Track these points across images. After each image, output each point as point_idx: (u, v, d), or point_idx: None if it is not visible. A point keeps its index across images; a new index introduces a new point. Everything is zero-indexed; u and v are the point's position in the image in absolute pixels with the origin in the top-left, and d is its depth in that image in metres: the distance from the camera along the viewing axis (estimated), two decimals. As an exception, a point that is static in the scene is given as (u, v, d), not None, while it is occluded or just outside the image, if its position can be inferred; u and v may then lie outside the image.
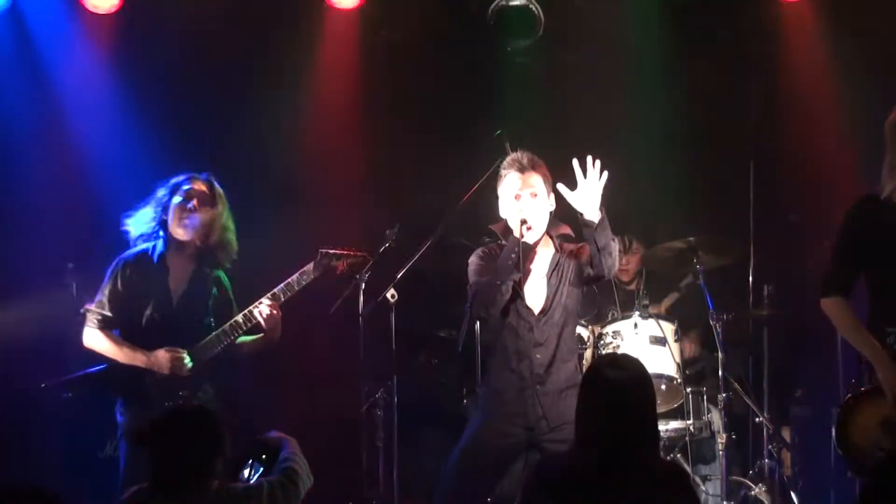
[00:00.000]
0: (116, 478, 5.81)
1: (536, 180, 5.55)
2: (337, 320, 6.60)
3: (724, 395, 6.57)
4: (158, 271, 5.87)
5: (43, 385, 6.32)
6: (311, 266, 5.94)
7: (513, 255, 5.43)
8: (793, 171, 7.56)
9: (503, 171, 5.62)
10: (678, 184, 7.70)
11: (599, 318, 7.22)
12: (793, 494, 6.67)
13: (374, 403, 6.62)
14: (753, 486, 6.79)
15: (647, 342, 6.81)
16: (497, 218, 5.66)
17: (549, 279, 5.62)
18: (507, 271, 5.45)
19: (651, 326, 6.83)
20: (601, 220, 5.36)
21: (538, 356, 5.53)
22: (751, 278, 7.01)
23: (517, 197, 5.54)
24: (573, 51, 7.82)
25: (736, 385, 6.81)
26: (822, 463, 6.93)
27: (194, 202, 5.83)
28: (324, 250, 5.98)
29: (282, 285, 5.88)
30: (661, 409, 6.78)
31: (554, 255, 5.66)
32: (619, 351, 6.63)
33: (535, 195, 5.53)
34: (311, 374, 7.48)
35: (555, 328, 5.57)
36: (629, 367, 4.05)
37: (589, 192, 5.34)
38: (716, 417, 6.81)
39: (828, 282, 5.18)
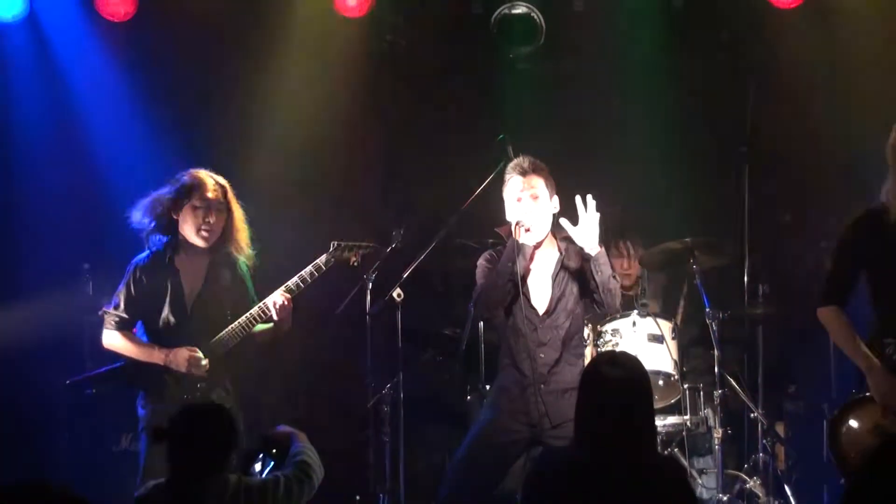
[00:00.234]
0: (130, 471, 5.85)
1: (538, 183, 5.58)
2: (345, 319, 6.62)
3: (719, 391, 6.57)
4: (172, 273, 5.86)
5: (68, 382, 6.33)
6: (323, 258, 5.92)
7: (510, 257, 5.47)
8: (786, 173, 7.57)
9: (507, 175, 5.66)
10: (675, 186, 7.71)
11: (599, 315, 7.23)
12: (786, 487, 6.67)
13: (380, 399, 6.63)
14: (748, 480, 6.80)
15: (646, 340, 6.80)
16: (503, 220, 5.70)
17: (553, 280, 5.64)
18: (506, 272, 5.48)
19: (649, 324, 6.83)
20: (598, 255, 5.44)
21: (542, 355, 5.55)
22: (746, 278, 7.01)
23: (519, 199, 5.58)
24: (573, 57, 7.82)
25: (731, 381, 6.81)
26: (815, 457, 6.95)
27: (213, 217, 5.82)
28: (336, 242, 6.00)
29: (295, 278, 5.86)
30: (658, 404, 6.80)
31: (559, 257, 5.68)
32: (619, 348, 6.63)
33: (536, 197, 5.56)
34: (319, 370, 7.50)
35: (559, 329, 5.59)
36: (627, 365, 4.06)
37: (587, 226, 5.43)
38: (712, 413, 6.81)
39: (825, 291, 5.19)
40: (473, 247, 6.53)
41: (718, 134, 7.52)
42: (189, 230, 5.82)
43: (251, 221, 5.99)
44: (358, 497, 6.62)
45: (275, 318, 5.83)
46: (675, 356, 6.77)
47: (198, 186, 5.83)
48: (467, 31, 7.57)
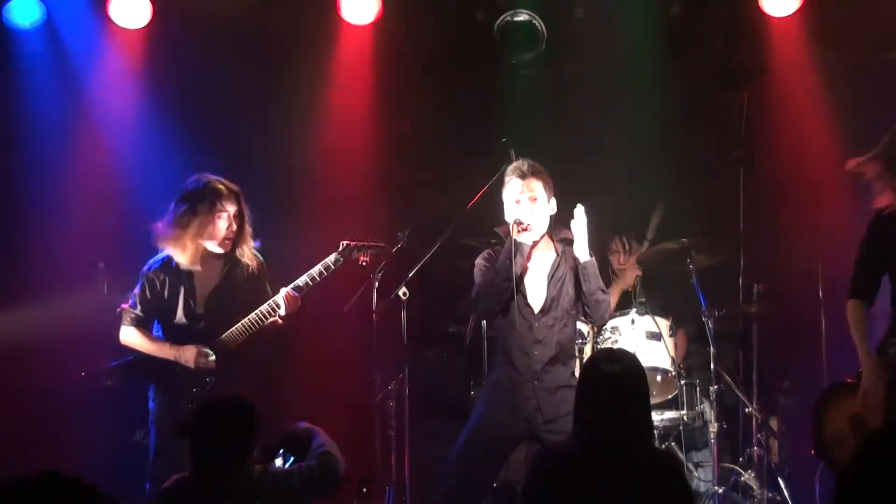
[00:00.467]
0: (142, 464, 5.88)
1: (536, 185, 5.63)
2: (352, 317, 6.63)
3: (715, 386, 6.60)
4: (185, 276, 5.92)
5: (83, 374, 6.35)
6: (332, 257, 5.97)
7: (508, 255, 5.51)
8: (780, 176, 7.58)
9: (507, 178, 5.70)
10: (672, 188, 7.73)
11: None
12: (780, 480, 6.69)
13: (387, 394, 6.65)
14: (743, 473, 6.82)
15: (644, 337, 6.84)
16: (503, 221, 5.73)
17: (549, 280, 5.68)
18: (504, 270, 5.52)
19: (647, 322, 6.87)
20: (587, 263, 5.50)
21: (536, 353, 5.59)
22: (741, 277, 7.03)
23: (517, 201, 5.62)
24: (574, 63, 7.84)
25: (727, 377, 6.84)
26: (808, 450, 6.96)
27: (233, 226, 5.88)
28: (345, 242, 6.03)
29: (305, 276, 5.92)
30: (656, 399, 6.83)
31: (555, 257, 5.72)
32: (618, 345, 6.66)
33: (535, 199, 5.61)
34: (328, 367, 7.51)
35: (554, 328, 5.63)
36: (624, 361, 4.07)
37: (576, 235, 5.53)
38: (708, 408, 6.84)
39: (850, 286, 5.24)
40: (477, 247, 6.54)
41: (715, 138, 7.53)
42: (210, 239, 5.86)
43: (263, 222, 6.03)
44: (364, 489, 6.64)
45: (282, 312, 5.87)
46: (672, 353, 6.80)
47: (217, 197, 5.85)
48: (471, 38, 7.58)
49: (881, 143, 5.16)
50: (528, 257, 5.66)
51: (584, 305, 5.66)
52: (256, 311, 5.88)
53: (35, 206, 7.52)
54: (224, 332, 5.87)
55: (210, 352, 5.81)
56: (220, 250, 5.90)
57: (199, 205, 5.84)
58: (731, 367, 7.06)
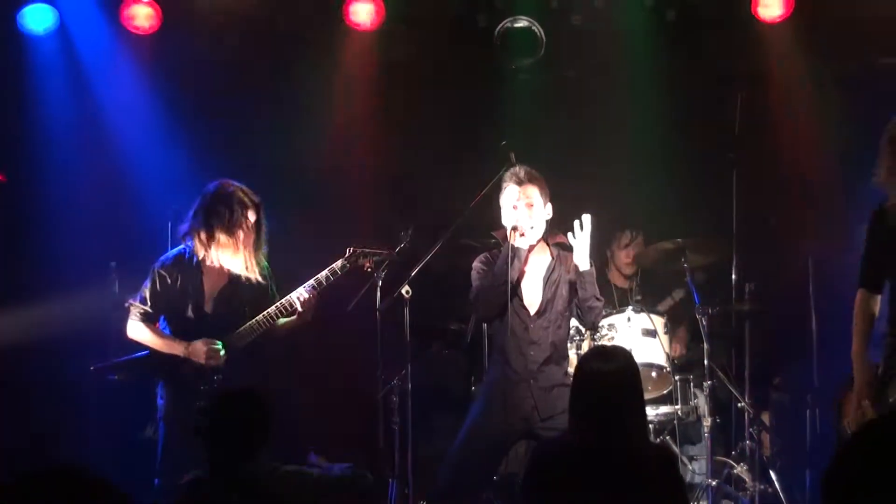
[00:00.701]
0: (152, 459, 5.88)
1: (533, 192, 5.65)
2: (356, 315, 6.64)
3: (709, 382, 6.61)
4: (195, 273, 5.93)
5: (92, 368, 6.35)
6: (339, 263, 6.00)
7: (505, 260, 5.52)
8: (773, 177, 7.59)
9: (504, 184, 5.73)
10: (668, 189, 7.74)
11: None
12: (771, 473, 6.69)
13: (390, 390, 6.64)
14: (736, 466, 6.82)
15: (640, 334, 6.85)
16: (501, 224, 5.75)
17: (545, 283, 5.71)
18: (501, 274, 5.54)
19: (643, 320, 6.87)
20: (586, 272, 5.52)
21: (532, 353, 5.62)
22: (734, 276, 7.03)
23: (514, 207, 5.65)
24: (572, 68, 7.85)
25: (720, 373, 6.84)
26: (799, 444, 7.00)
27: (252, 236, 5.91)
28: (352, 248, 6.05)
29: (312, 280, 5.95)
30: (651, 395, 6.84)
31: (551, 261, 5.74)
32: (614, 342, 6.66)
33: (531, 205, 5.64)
34: (333, 363, 7.51)
35: (549, 329, 5.66)
36: (617, 359, 4.08)
37: (580, 245, 5.53)
38: (702, 403, 6.84)
39: (858, 276, 5.20)
40: (477, 246, 6.55)
41: (709, 140, 7.53)
42: (229, 245, 5.87)
43: (272, 227, 6.06)
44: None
45: (300, 309, 5.89)
46: (667, 349, 6.81)
47: (242, 206, 5.88)
48: (472, 44, 7.58)
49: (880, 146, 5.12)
50: (525, 261, 5.68)
51: (576, 308, 5.69)
52: (266, 311, 5.89)
53: (49, 207, 7.53)
54: (232, 331, 5.88)
55: (219, 348, 5.81)
56: (241, 256, 5.90)
57: (226, 209, 5.85)
58: (724, 364, 7.07)
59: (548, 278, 5.71)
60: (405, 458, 6.45)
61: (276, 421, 4.13)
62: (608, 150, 7.85)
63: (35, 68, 7.54)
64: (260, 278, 5.98)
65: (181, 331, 5.91)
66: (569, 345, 6.18)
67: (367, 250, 6.06)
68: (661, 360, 6.80)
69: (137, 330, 5.94)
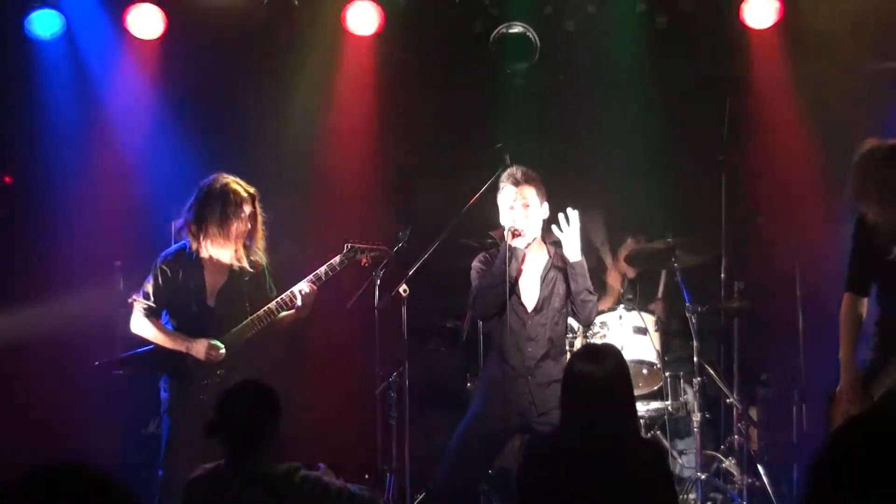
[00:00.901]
0: (156, 453, 5.88)
1: (529, 192, 5.66)
2: (355, 313, 6.65)
3: (698, 378, 6.62)
4: (196, 268, 5.90)
5: (97, 363, 6.34)
6: (337, 259, 6.00)
7: (503, 260, 5.53)
8: (760, 179, 7.60)
9: (501, 184, 5.74)
10: (658, 191, 7.75)
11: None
12: (759, 467, 6.70)
13: (388, 386, 6.65)
14: (724, 459, 6.84)
15: (631, 332, 6.86)
16: (498, 224, 5.76)
17: (542, 281, 5.71)
18: (499, 273, 5.54)
19: (634, 318, 6.88)
20: (576, 264, 5.51)
21: (529, 349, 5.62)
22: (723, 275, 7.04)
23: (511, 207, 5.65)
24: (565, 73, 7.86)
25: (709, 370, 6.86)
26: (786, 439, 7.00)
27: (248, 228, 5.88)
28: (349, 244, 6.05)
29: (311, 275, 5.93)
30: (642, 391, 6.86)
31: (547, 259, 5.75)
32: (606, 339, 6.67)
33: (527, 206, 5.65)
34: (332, 360, 7.52)
35: (546, 326, 5.66)
36: (606, 361, 4.04)
37: (568, 238, 5.54)
38: (691, 398, 6.85)
39: (845, 280, 5.20)
40: (473, 246, 6.57)
41: (698, 143, 7.54)
42: (227, 237, 5.83)
43: (269, 221, 6.04)
44: (367, 475, 6.64)
45: (300, 304, 5.88)
46: (658, 347, 6.82)
47: (237, 198, 5.84)
48: (468, 49, 7.58)
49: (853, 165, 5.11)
50: (522, 260, 5.69)
51: (571, 305, 5.69)
52: (266, 306, 5.88)
53: (55, 208, 7.54)
54: (233, 327, 5.87)
55: (220, 345, 5.80)
56: (232, 248, 5.89)
57: (219, 202, 5.82)
58: (713, 360, 7.08)
59: (545, 276, 5.72)
60: (402, 453, 6.45)
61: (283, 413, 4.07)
62: (600, 151, 7.86)
63: (42, 72, 7.54)
64: (254, 270, 5.94)
65: (185, 325, 5.88)
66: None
67: (364, 246, 6.07)
68: (652, 357, 6.81)
69: (141, 325, 5.92)
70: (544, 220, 5.73)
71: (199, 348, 5.78)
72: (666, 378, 6.90)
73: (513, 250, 5.59)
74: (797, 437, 6.94)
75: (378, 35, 7.50)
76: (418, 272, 6.33)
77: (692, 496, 6.55)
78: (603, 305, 7.07)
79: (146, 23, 7.38)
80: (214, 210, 5.82)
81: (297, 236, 7.10)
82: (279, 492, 3.81)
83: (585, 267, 5.65)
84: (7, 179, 7.79)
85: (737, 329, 7.06)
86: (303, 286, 5.90)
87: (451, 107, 7.91)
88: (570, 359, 4.30)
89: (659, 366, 6.81)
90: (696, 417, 6.63)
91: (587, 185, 7.54)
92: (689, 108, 7.70)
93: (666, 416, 6.84)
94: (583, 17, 7.42)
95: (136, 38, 7.44)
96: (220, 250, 5.88)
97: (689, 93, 7.73)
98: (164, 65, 7.63)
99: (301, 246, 6.82)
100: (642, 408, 6.80)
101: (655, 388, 6.95)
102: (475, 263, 5.84)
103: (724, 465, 6.83)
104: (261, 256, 6.01)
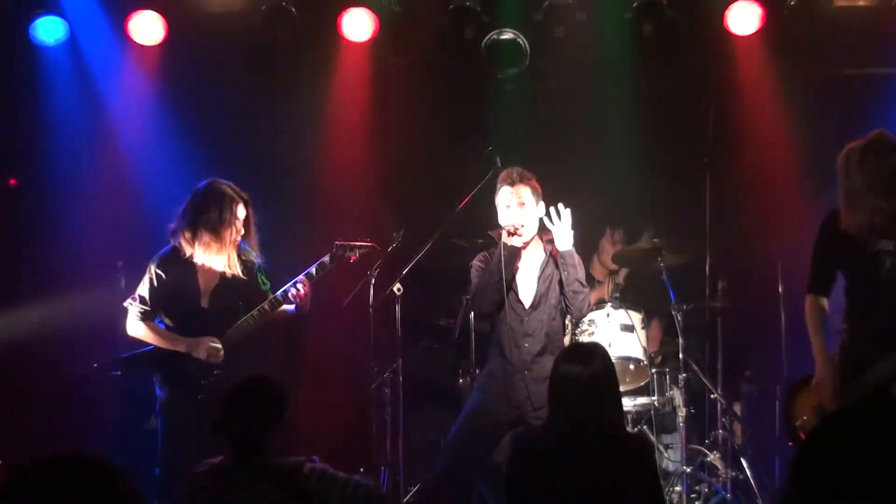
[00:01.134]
0: (155, 448, 5.85)
1: (525, 192, 5.67)
2: (350, 311, 6.64)
3: (684, 374, 6.63)
4: (190, 270, 5.83)
5: (95, 365, 6.32)
6: (327, 257, 5.97)
7: (500, 258, 5.53)
8: (743, 181, 7.61)
9: (498, 184, 5.75)
10: (644, 192, 7.75)
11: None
12: (742, 460, 6.72)
13: (382, 382, 6.66)
14: (709, 453, 6.86)
15: (618, 329, 6.85)
16: (491, 223, 5.77)
17: (539, 278, 5.72)
18: (497, 271, 5.54)
19: (621, 315, 6.87)
20: (566, 253, 5.52)
21: (527, 345, 5.62)
22: (707, 274, 7.04)
23: (508, 207, 5.66)
24: (554, 78, 7.85)
25: (694, 366, 6.86)
26: (768, 433, 7.01)
27: (241, 232, 5.85)
28: (339, 242, 6.02)
29: (303, 274, 5.90)
30: (629, 386, 6.86)
31: (544, 257, 5.75)
32: (594, 337, 6.66)
33: (523, 205, 5.65)
34: (328, 357, 7.52)
35: (543, 322, 5.67)
36: (592, 362, 4.04)
37: (559, 231, 5.59)
38: (677, 394, 6.85)
39: (807, 282, 5.22)
40: (465, 246, 6.58)
41: (684, 146, 7.54)
42: (220, 241, 5.78)
43: (266, 224, 6.03)
44: (362, 469, 6.65)
45: (293, 301, 5.85)
46: (644, 343, 6.82)
47: (230, 202, 5.79)
48: (460, 55, 7.57)
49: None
50: (519, 258, 5.69)
51: (563, 297, 5.67)
52: (261, 305, 5.85)
53: (59, 209, 7.53)
54: (228, 327, 5.83)
55: (219, 345, 5.76)
56: (225, 253, 5.84)
57: (214, 209, 5.77)
58: (698, 357, 7.09)
59: (541, 273, 5.72)
60: (396, 447, 6.46)
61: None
62: (588, 154, 7.85)
63: (46, 77, 7.53)
64: (245, 273, 5.89)
65: (180, 327, 5.83)
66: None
67: (353, 243, 6.03)
68: (639, 353, 6.81)
69: (137, 328, 5.87)
70: (540, 219, 5.73)
71: (199, 348, 5.75)
72: (652, 374, 6.90)
73: (509, 249, 5.59)
74: (779, 432, 6.93)
75: (372, 41, 7.49)
76: (412, 272, 6.33)
77: (678, 489, 6.56)
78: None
79: (147, 29, 7.39)
80: (208, 217, 5.76)
81: (293, 239, 7.08)
82: (288, 484, 3.72)
83: (576, 258, 5.65)
84: (12, 182, 7.78)
85: (721, 327, 7.08)
86: (295, 284, 5.87)
87: (443, 111, 7.91)
88: (556, 359, 4.28)
89: (645, 362, 6.80)
90: (682, 412, 6.63)
91: (574, 186, 7.53)
92: (675, 111, 7.69)
93: (652, 412, 6.84)
94: (572, 23, 7.41)
95: (137, 44, 7.44)
96: (213, 256, 5.81)
97: (675, 97, 7.72)
98: (164, 70, 7.63)
99: (296, 249, 6.80)
100: (629, 403, 6.80)
101: (642, 384, 6.95)
102: (475, 262, 5.84)
103: (708, 458, 6.85)
104: (252, 256, 5.97)
